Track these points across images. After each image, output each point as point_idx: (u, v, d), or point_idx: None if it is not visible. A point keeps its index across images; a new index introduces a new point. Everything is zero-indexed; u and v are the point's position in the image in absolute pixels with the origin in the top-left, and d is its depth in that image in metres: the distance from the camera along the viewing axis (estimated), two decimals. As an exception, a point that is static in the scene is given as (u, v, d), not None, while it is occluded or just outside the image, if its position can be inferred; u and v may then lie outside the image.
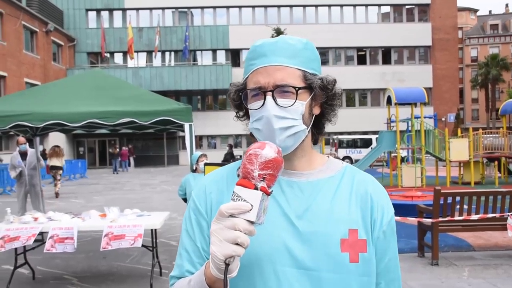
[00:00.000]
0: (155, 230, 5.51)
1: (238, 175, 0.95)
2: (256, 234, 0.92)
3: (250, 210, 0.89)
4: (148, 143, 34.91)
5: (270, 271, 1.04)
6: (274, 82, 1.07)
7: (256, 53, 1.12)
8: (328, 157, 1.22)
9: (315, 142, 1.20)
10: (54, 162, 15.39)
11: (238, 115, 1.21)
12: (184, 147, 30.59)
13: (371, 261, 1.09)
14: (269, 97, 1.06)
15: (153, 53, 34.50)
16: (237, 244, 0.88)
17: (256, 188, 0.90)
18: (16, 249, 5.41)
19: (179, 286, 1.07)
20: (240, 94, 1.14)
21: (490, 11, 70.62)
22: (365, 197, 1.13)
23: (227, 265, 0.89)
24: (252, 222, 0.90)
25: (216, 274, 0.91)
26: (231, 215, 0.89)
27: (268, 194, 0.92)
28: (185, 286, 1.03)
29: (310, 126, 1.13)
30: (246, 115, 1.18)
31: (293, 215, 1.07)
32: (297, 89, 1.07)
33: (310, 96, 1.11)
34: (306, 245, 1.05)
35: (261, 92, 1.08)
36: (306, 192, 1.11)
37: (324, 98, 1.14)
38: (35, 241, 5.17)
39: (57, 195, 15.19)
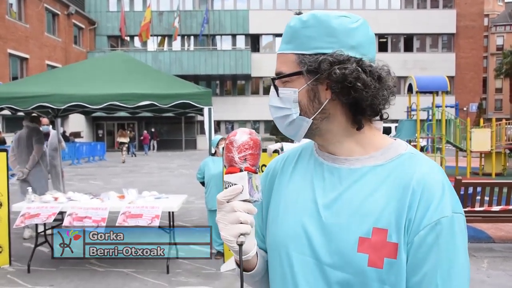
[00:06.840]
0: (173, 212, 5.56)
1: (225, 166, 0.99)
2: (281, 214, 1.04)
3: (242, 191, 0.95)
4: (166, 127, 35.13)
5: (284, 254, 1.01)
6: (276, 71, 1.04)
7: None
8: (395, 139, 1.05)
9: (358, 128, 1.01)
10: (122, 139, 25.03)
11: None
12: (202, 132, 30.73)
13: (401, 271, 0.91)
14: (272, 88, 1.05)
15: (173, 38, 34.43)
16: (241, 223, 0.94)
17: (241, 170, 0.96)
18: (37, 227, 5.53)
19: None
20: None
21: (518, -2, 68.61)
22: (406, 191, 0.93)
23: (240, 246, 0.94)
24: (248, 201, 0.96)
25: (237, 258, 0.97)
26: (228, 201, 0.95)
27: (254, 172, 0.97)
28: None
29: (318, 113, 0.98)
30: None
31: (322, 203, 0.99)
32: (275, 79, 1.03)
33: (310, 81, 0.97)
34: (327, 238, 0.96)
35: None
36: (345, 180, 0.99)
37: (326, 80, 0.96)
38: (55, 220, 5.26)
39: (123, 162, 22.26)
